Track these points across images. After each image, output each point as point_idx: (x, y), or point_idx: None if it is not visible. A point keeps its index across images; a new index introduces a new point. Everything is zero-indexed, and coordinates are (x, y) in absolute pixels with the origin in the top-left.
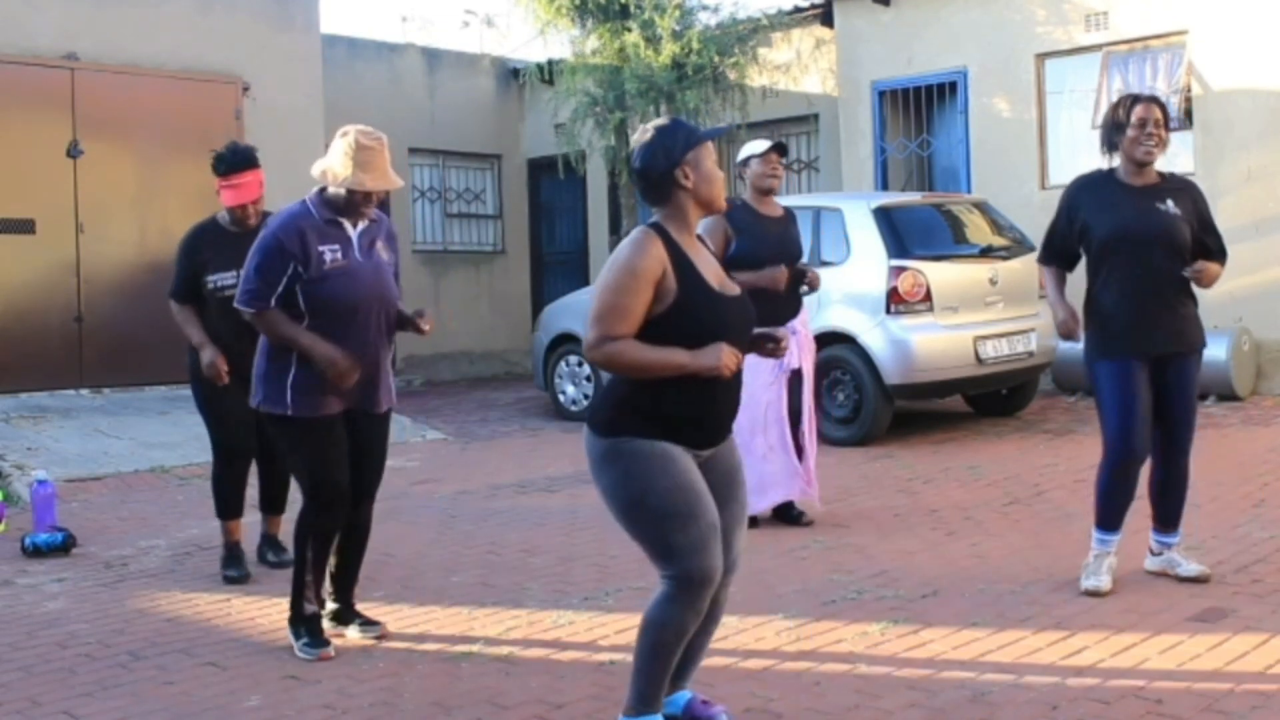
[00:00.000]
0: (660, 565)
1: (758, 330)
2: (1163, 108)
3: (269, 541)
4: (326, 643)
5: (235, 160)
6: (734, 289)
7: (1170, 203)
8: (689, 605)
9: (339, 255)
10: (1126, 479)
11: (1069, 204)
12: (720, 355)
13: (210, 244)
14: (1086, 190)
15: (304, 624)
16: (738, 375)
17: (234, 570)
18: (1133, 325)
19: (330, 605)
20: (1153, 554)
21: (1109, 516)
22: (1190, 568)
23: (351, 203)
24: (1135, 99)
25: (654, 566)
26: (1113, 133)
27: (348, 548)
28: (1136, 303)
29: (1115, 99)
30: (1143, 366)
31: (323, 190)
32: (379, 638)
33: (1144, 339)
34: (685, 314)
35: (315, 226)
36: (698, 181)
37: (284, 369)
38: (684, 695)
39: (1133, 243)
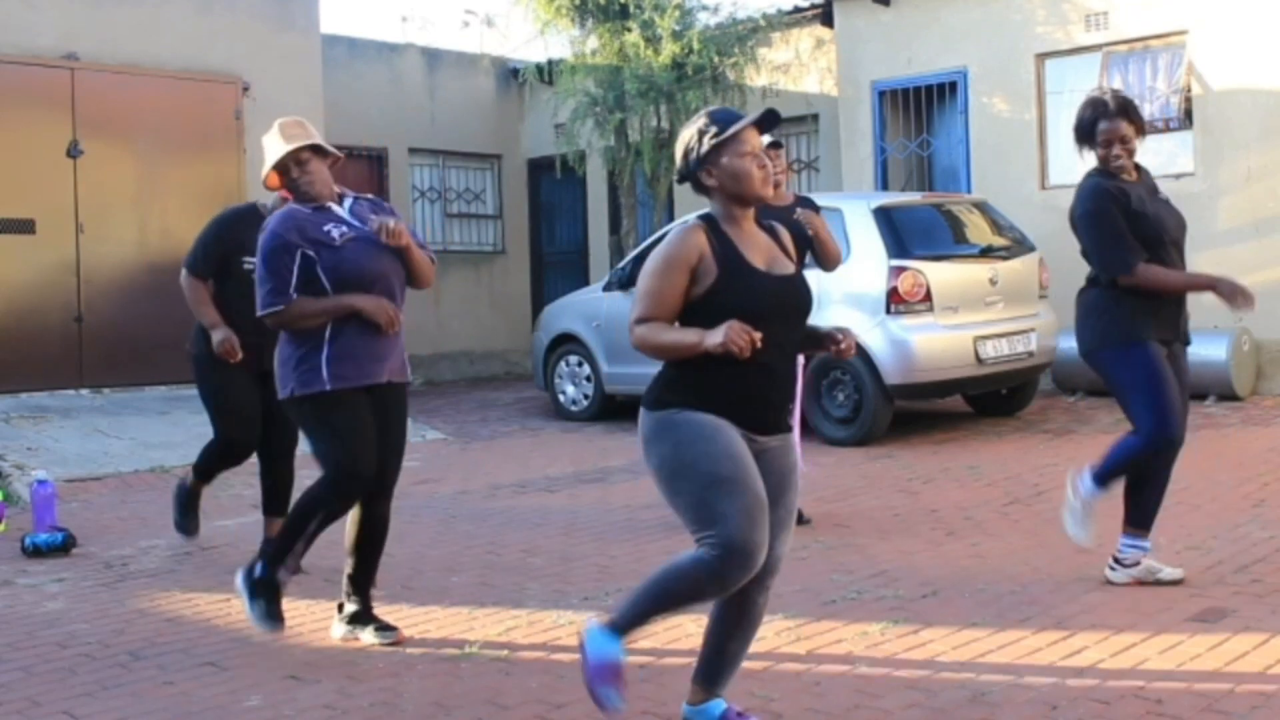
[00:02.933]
0: (701, 531)
1: (823, 329)
2: (1132, 120)
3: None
4: (281, 621)
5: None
6: (787, 268)
7: (1162, 193)
8: (719, 576)
9: (345, 229)
10: (1168, 466)
11: (1120, 204)
12: (727, 332)
13: (250, 226)
14: (1112, 190)
15: (266, 589)
16: (791, 361)
17: (185, 517)
18: (1159, 313)
19: (349, 607)
20: (1124, 565)
21: (1147, 514)
22: (1171, 571)
23: (290, 180)
24: (1098, 115)
25: (695, 536)
26: (1080, 138)
27: (364, 548)
28: (1165, 294)
29: (1090, 95)
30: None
31: (294, 194)
32: (394, 643)
33: (1166, 325)
34: (723, 293)
35: (307, 218)
36: (722, 180)
37: (315, 349)
38: (719, 705)
39: (1162, 237)
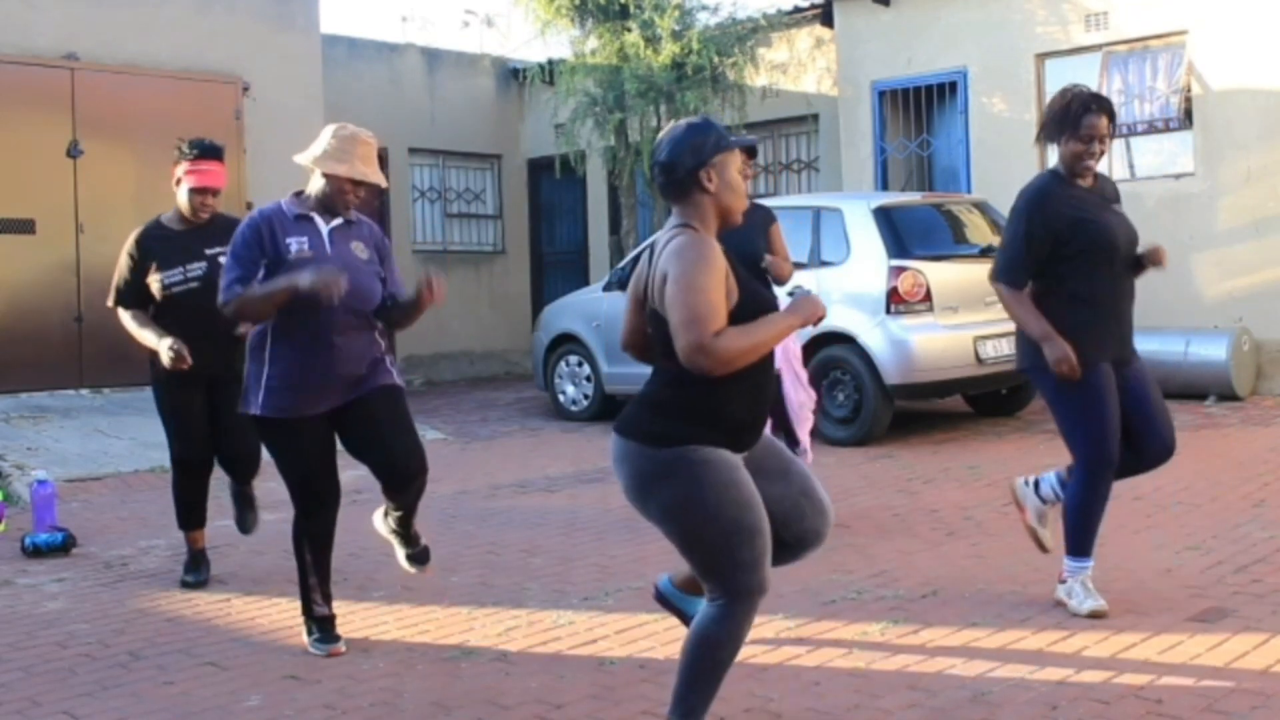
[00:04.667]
0: (718, 579)
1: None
2: (1111, 120)
3: (239, 497)
4: (337, 638)
5: (207, 148)
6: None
7: (1116, 206)
8: (746, 618)
9: (305, 246)
10: (1107, 492)
11: (1044, 216)
12: (808, 304)
13: (156, 243)
14: (1053, 199)
15: (315, 623)
16: (772, 366)
17: (192, 575)
18: (1104, 331)
19: (393, 519)
20: (1040, 497)
21: (1086, 541)
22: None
23: (341, 191)
24: (1086, 106)
25: (705, 581)
26: (1056, 128)
27: (400, 502)
28: (1114, 306)
29: (1067, 89)
30: (1110, 373)
31: (299, 191)
32: (423, 573)
33: (1111, 345)
34: (747, 308)
35: (283, 221)
36: (720, 187)
37: (258, 370)
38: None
39: (1109, 249)
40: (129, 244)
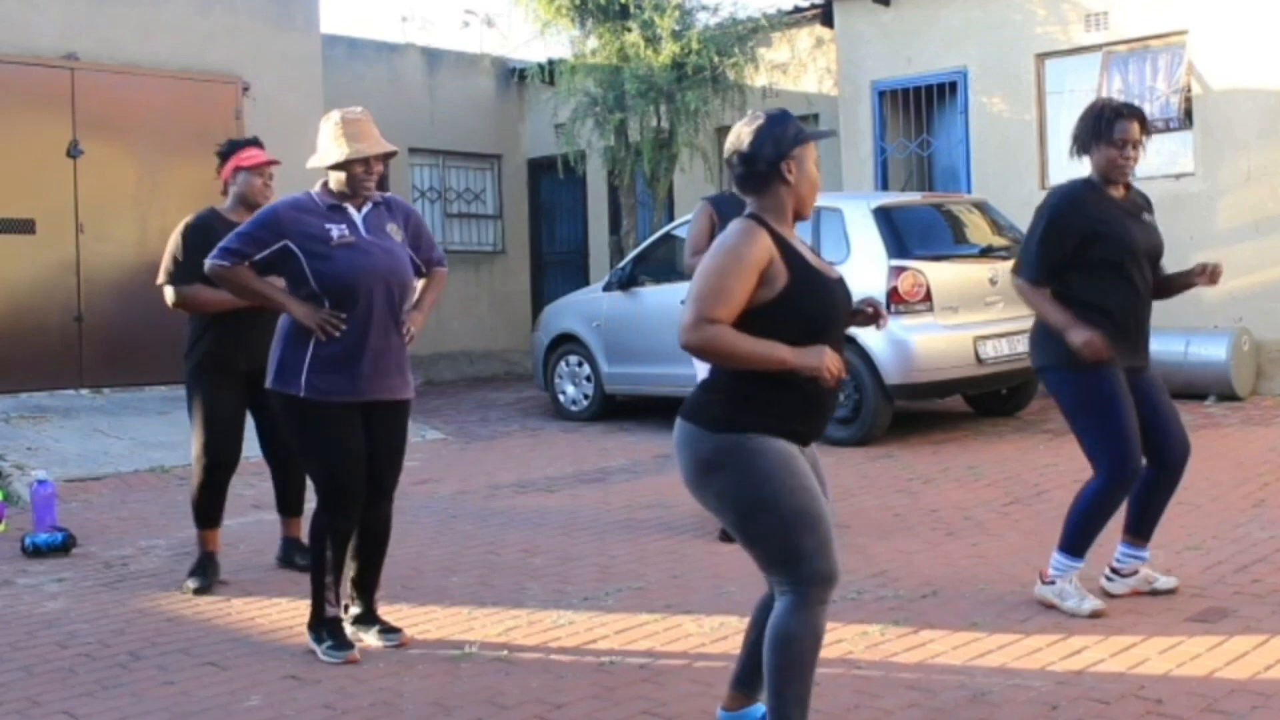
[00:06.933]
0: (783, 570)
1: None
2: (1143, 121)
3: (293, 545)
4: (351, 645)
5: (243, 139)
6: (835, 272)
7: (1147, 215)
8: (820, 606)
9: (345, 232)
10: (1121, 501)
11: (1075, 219)
12: (824, 357)
13: (217, 233)
14: (1086, 203)
15: (326, 627)
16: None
17: (196, 580)
18: (1118, 340)
19: (353, 609)
20: (1121, 575)
21: (1085, 542)
22: (1167, 580)
23: (353, 177)
24: (1118, 112)
25: (771, 574)
26: (1089, 139)
27: (367, 550)
28: (1131, 317)
29: (1097, 100)
30: (1123, 379)
31: (325, 182)
32: (399, 645)
33: (1124, 353)
34: (797, 300)
35: (318, 212)
36: (799, 179)
37: (301, 349)
38: (759, 709)
39: (1128, 260)
40: (189, 230)
